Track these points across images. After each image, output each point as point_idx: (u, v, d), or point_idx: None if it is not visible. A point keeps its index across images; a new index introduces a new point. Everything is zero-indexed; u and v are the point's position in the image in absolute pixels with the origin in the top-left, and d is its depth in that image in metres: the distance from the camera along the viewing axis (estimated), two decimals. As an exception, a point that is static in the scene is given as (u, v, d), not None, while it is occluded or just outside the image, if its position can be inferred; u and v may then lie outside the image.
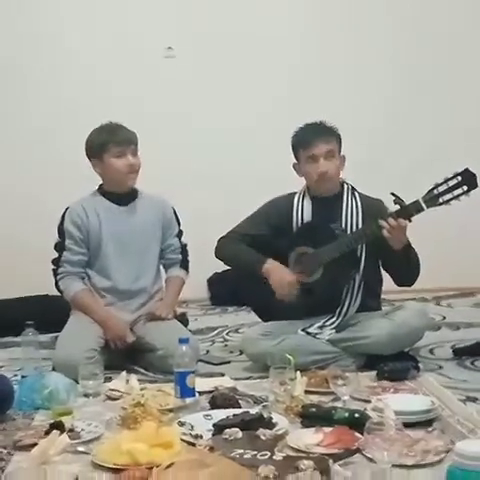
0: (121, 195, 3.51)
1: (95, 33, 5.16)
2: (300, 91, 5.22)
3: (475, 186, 3.01)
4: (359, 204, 3.31)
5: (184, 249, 3.65)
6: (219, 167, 5.17)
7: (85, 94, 5.13)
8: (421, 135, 5.28)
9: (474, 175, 3.02)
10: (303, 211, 3.33)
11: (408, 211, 3.07)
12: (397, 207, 3.10)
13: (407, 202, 3.08)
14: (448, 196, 3.03)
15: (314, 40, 5.32)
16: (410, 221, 3.09)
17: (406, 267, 3.22)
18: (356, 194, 3.35)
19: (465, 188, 3.01)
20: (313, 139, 3.25)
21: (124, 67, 5.16)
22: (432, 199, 3.05)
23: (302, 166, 3.30)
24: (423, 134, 5.27)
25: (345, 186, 3.36)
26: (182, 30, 5.23)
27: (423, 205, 3.05)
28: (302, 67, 5.29)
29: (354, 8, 5.30)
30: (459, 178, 3.02)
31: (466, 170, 3.02)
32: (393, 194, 3.09)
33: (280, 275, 3.27)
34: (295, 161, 3.35)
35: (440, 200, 3.04)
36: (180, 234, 3.65)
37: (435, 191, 3.04)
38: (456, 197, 3.02)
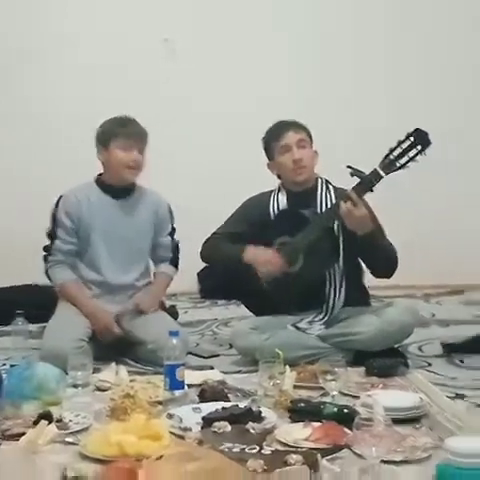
0: (117, 188, 3.49)
1: (95, 25, 5.21)
2: (301, 80, 5.29)
3: (428, 143, 3.02)
4: (333, 195, 3.32)
5: (176, 247, 3.65)
6: (212, 162, 5.20)
7: (85, 90, 5.16)
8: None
9: (426, 133, 3.03)
10: (278, 204, 3.35)
11: (368, 181, 3.07)
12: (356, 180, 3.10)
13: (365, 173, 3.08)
14: (404, 159, 3.04)
15: (315, 28, 5.39)
16: (372, 191, 3.08)
17: (375, 257, 3.21)
18: (330, 187, 3.36)
19: (419, 147, 3.03)
20: (283, 130, 3.32)
21: (123, 56, 5.20)
22: (389, 165, 3.06)
23: (276, 160, 3.34)
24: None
25: (319, 180, 3.37)
26: (181, 18, 5.28)
27: (381, 172, 3.06)
28: (302, 54, 5.36)
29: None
30: (411, 139, 3.03)
31: (417, 129, 3.03)
32: (350, 167, 3.09)
33: (262, 256, 3.28)
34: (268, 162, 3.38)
35: (397, 164, 3.05)
36: (173, 232, 3.64)
37: (391, 156, 3.06)
38: (412, 158, 3.03)
